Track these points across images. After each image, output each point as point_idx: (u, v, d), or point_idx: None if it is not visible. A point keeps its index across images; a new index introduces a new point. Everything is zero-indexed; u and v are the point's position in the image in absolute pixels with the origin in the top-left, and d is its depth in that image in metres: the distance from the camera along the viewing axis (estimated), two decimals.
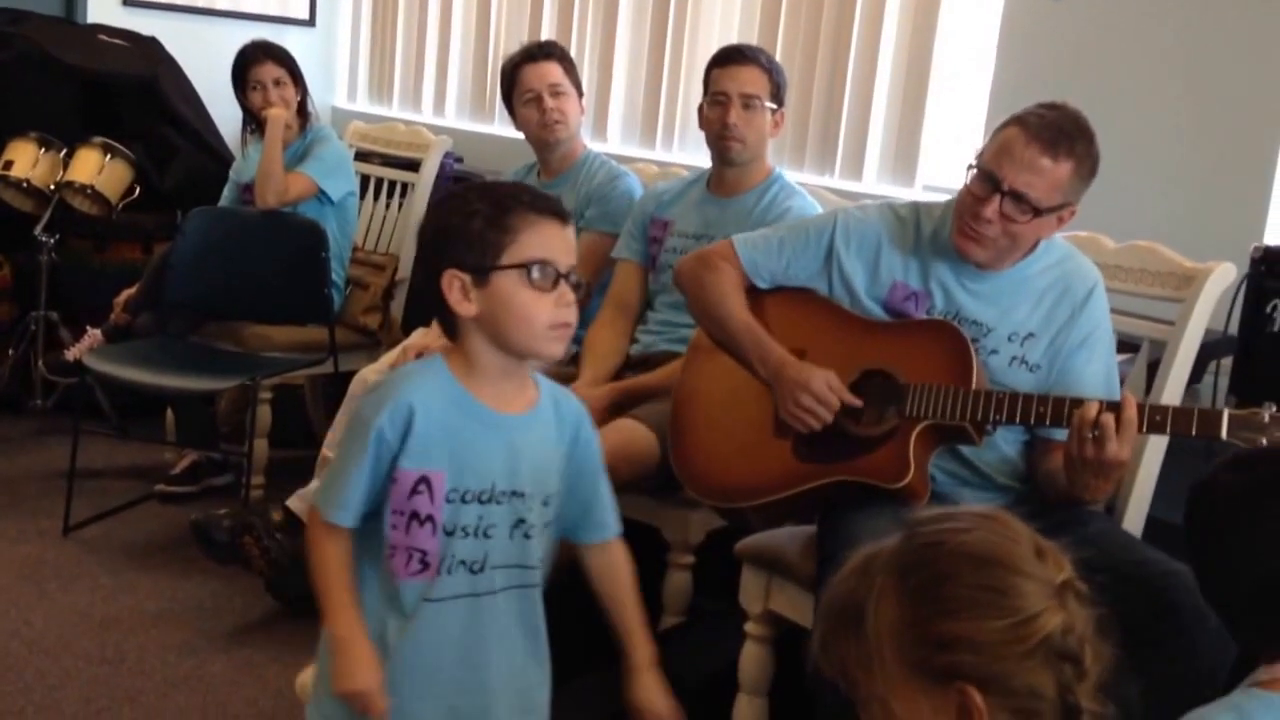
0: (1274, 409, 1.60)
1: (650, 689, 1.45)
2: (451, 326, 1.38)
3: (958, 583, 0.93)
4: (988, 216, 1.78)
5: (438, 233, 1.36)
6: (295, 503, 2.48)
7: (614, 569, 1.48)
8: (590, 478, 1.46)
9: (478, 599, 1.37)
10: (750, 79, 2.39)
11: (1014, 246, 1.83)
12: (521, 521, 1.38)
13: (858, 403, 1.82)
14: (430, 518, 1.33)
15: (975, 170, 1.81)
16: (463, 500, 1.35)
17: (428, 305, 1.39)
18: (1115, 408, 1.68)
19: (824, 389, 1.81)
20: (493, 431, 1.36)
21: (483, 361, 1.36)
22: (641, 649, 1.46)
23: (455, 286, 1.33)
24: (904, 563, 0.96)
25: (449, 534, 1.35)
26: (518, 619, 1.41)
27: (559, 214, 1.36)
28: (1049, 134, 1.75)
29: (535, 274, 1.32)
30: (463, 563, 1.36)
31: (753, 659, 1.98)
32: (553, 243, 1.34)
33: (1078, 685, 0.92)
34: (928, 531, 0.97)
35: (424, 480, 1.33)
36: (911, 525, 0.99)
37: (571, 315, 1.35)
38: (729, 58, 2.43)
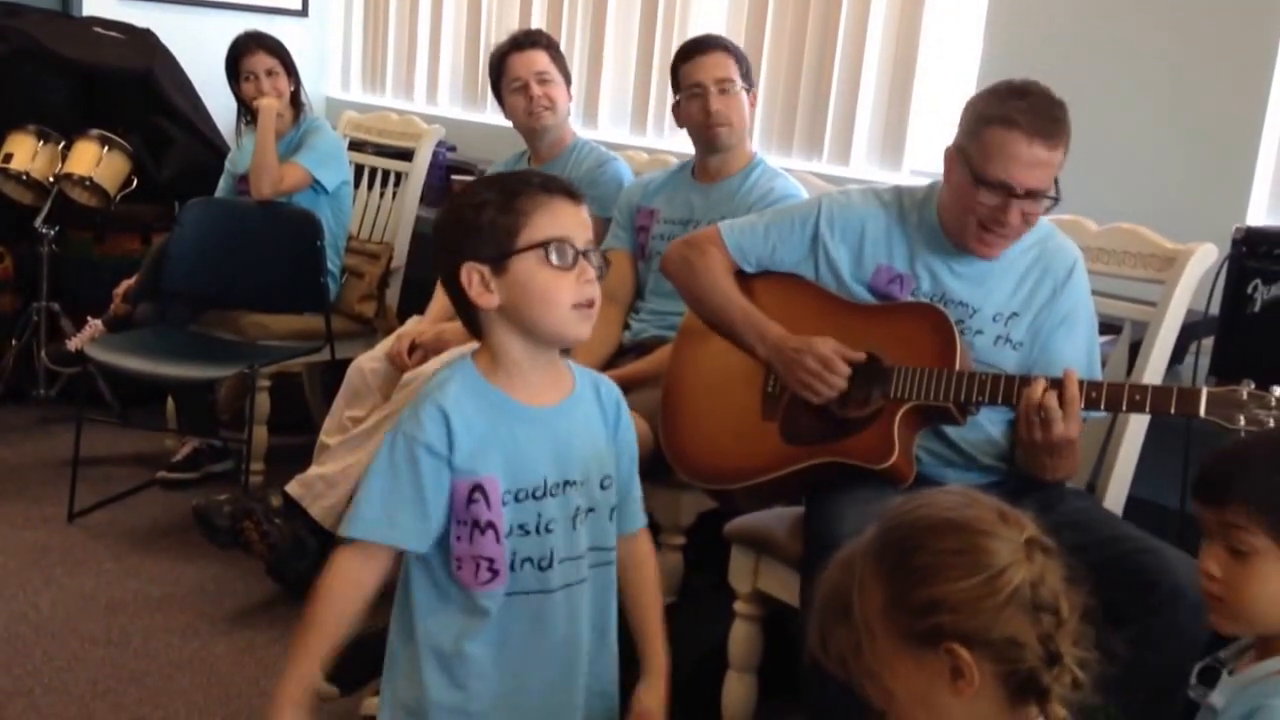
0: (1252, 386, 1.62)
1: (654, 695, 1.43)
2: (476, 323, 1.35)
3: (927, 551, 0.98)
4: (1012, 222, 1.79)
5: (450, 229, 1.34)
6: (294, 488, 2.52)
7: (642, 560, 1.47)
8: (629, 465, 1.44)
9: (549, 595, 1.35)
10: (719, 64, 2.42)
11: (1027, 231, 1.85)
12: (578, 510, 1.36)
13: (861, 357, 1.83)
14: (491, 524, 1.31)
15: (972, 177, 1.78)
16: (516, 500, 1.32)
17: (456, 308, 1.35)
18: (1058, 386, 1.70)
19: (828, 352, 1.82)
20: (534, 426, 1.34)
21: (512, 355, 1.34)
22: (657, 656, 1.45)
23: (475, 279, 1.30)
24: (878, 547, 1.02)
25: (509, 535, 1.32)
26: (591, 606, 1.39)
27: (570, 193, 1.34)
28: (1045, 126, 1.76)
29: (553, 253, 1.29)
30: (529, 560, 1.33)
31: (742, 637, 2.02)
32: (566, 221, 1.31)
33: (1057, 633, 0.96)
34: (895, 514, 1.03)
35: (478, 488, 1.30)
36: (882, 516, 1.04)
37: (595, 292, 1.32)
38: (693, 50, 2.46)
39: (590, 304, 1.32)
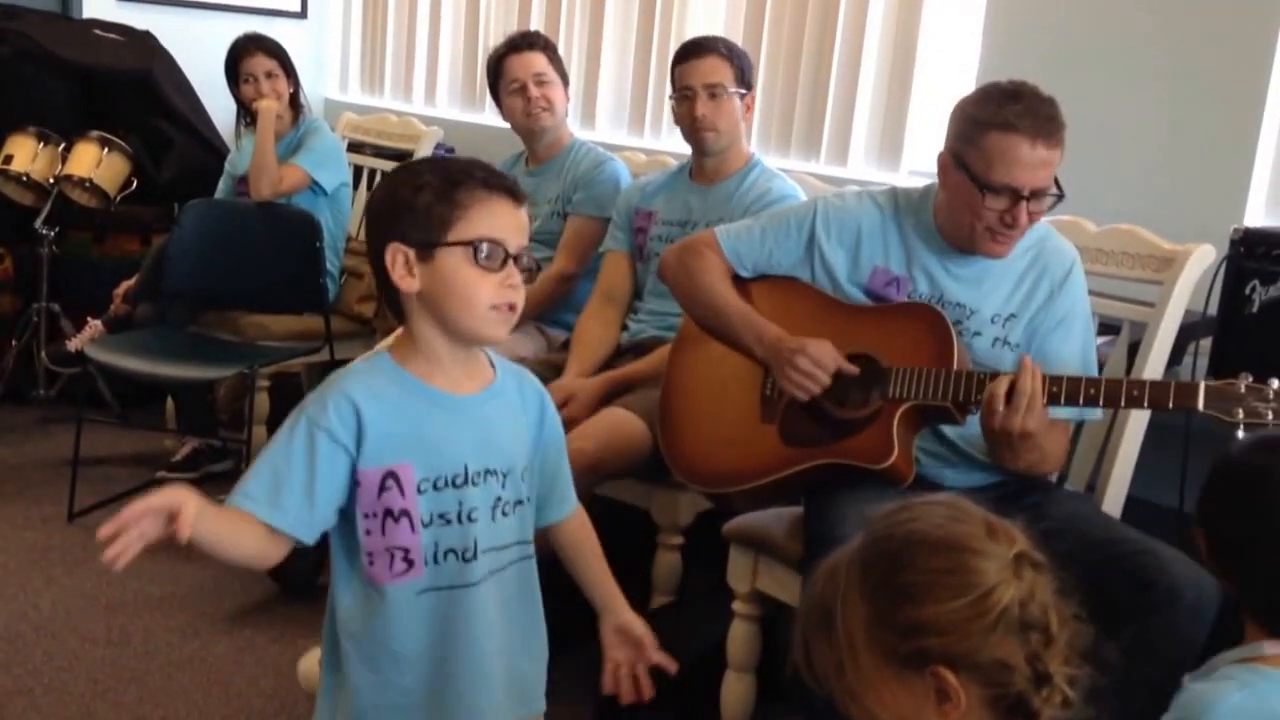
0: (1250, 379, 1.61)
1: (626, 614, 1.42)
2: (397, 305, 1.32)
3: (913, 570, 0.95)
4: (1022, 224, 1.79)
5: (386, 205, 1.31)
6: None
7: (583, 537, 1.47)
8: (555, 455, 1.43)
9: (473, 587, 1.32)
10: (711, 69, 2.41)
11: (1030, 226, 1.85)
12: (500, 499, 1.34)
13: (853, 370, 1.83)
14: (405, 512, 1.27)
15: (974, 183, 1.78)
16: (435, 488, 1.29)
17: (379, 286, 1.33)
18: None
19: (820, 353, 1.83)
20: (453, 413, 1.31)
21: (432, 345, 1.31)
22: (618, 598, 1.44)
23: (399, 260, 1.27)
24: (863, 560, 0.98)
25: (427, 525, 1.29)
26: (517, 598, 1.38)
27: (513, 193, 1.30)
28: (1044, 126, 1.76)
29: (483, 253, 1.27)
30: (451, 550, 1.30)
31: (740, 637, 2.02)
32: (503, 221, 1.28)
33: (1045, 652, 0.94)
34: (880, 527, 1.00)
35: (390, 475, 1.27)
36: (869, 524, 1.01)
37: (516, 297, 1.30)
38: (689, 52, 2.46)
39: (511, 308, 1.30)
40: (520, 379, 1.41)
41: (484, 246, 1.27)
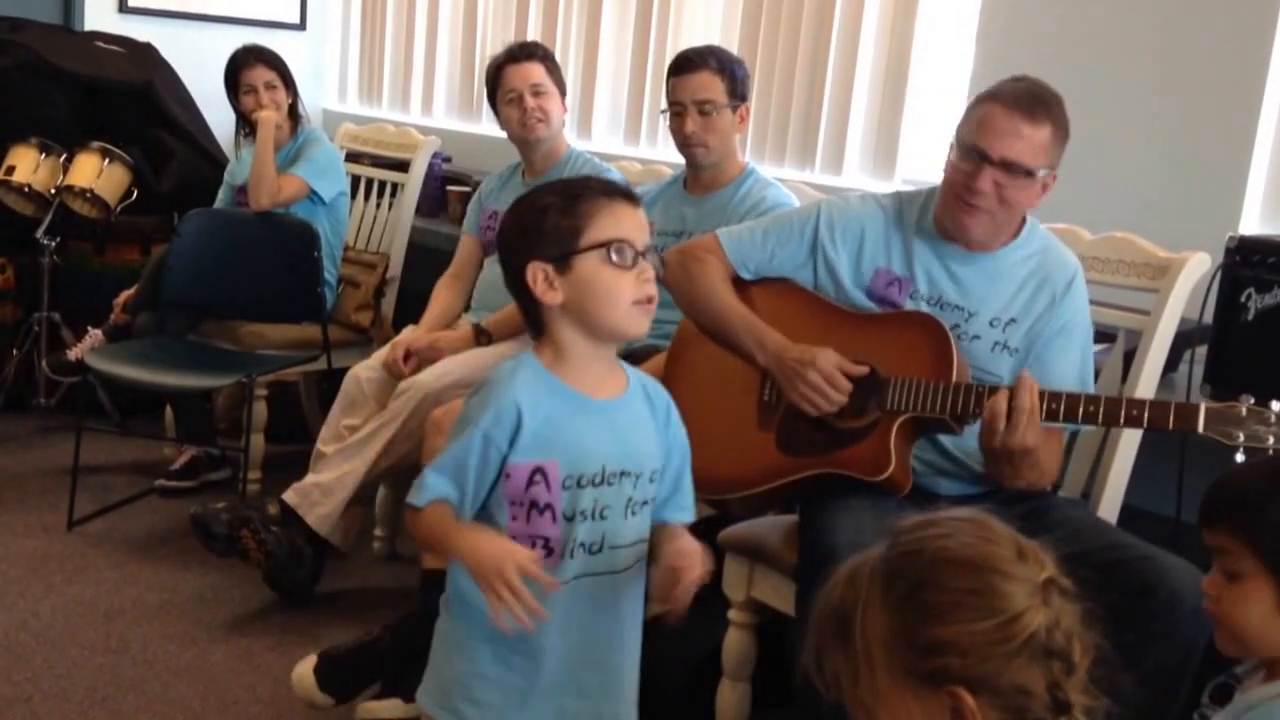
0: (1251, 401, 1.60)
1: (688, 538, 1.44)
2: (538, 321, 1.41)
3: (940, 588, 0.93)
4: (982, 188, 1.80)
5: (516, 233, 1.41)
6: (291, 496, 2.53)
7: (682, 533, 1.48)
8: (680, 459, 1.49)
9: (596, 578, 1.40)
10: (701, 85, 2.42)
11: (1010, 217, 1.85)
12: (631, 499, 1.41)
13: (863, 371, 1.83)
14: (549, 505, 1.37)
15: (959, 149, 1.83)
16: (578, 485, 1.38)
17: (521, 307, 1.41)
18: (1041, 397, 1.69)
19: (829, 366, 1.82)
20: (596, 416, 1.40)
21: (574, 350, 1.40)
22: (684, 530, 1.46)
23: (540, 277, 1.37)
24: (887, 571, 0.96)
25: (569, 519, 1.38)
26: (629, 595, 1.44)
27: (629, 196, 1.40)
28: (1025, 101, 1.80)
29: (614, 252, 1.36)
30: (582, 545, 1.39)
31: (736, 645, 2.02)
32: (626, 223, 1.38)
33: (1066, 680, 0.92)
34: (909, 539, 0.97)
35: (539, 471, 1.36)
36: (894, 533, 0.99)
37: (653, 290, 1.38)
38: (680, 67, 2.46)
39: (650, 300, 1.38)
40: (649, 386, 1.48)
41: (615, 246, 1.36)
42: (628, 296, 1.37)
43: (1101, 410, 1.70)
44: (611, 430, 1.40)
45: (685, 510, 1.51)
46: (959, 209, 1.85)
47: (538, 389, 1.38)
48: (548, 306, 1.38)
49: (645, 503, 1.44)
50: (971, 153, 1.81)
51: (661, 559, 1.43)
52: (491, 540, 1.34)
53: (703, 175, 2.50)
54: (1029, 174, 1.80)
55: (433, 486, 1.37)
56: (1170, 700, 1.61)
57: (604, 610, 1.43)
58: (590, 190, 1.39)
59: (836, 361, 1.83)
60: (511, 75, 2.74)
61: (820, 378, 1.82)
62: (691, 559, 1.41)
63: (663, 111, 2.52)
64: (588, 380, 1.41)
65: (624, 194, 1.40)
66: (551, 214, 1.37)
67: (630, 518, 1.42)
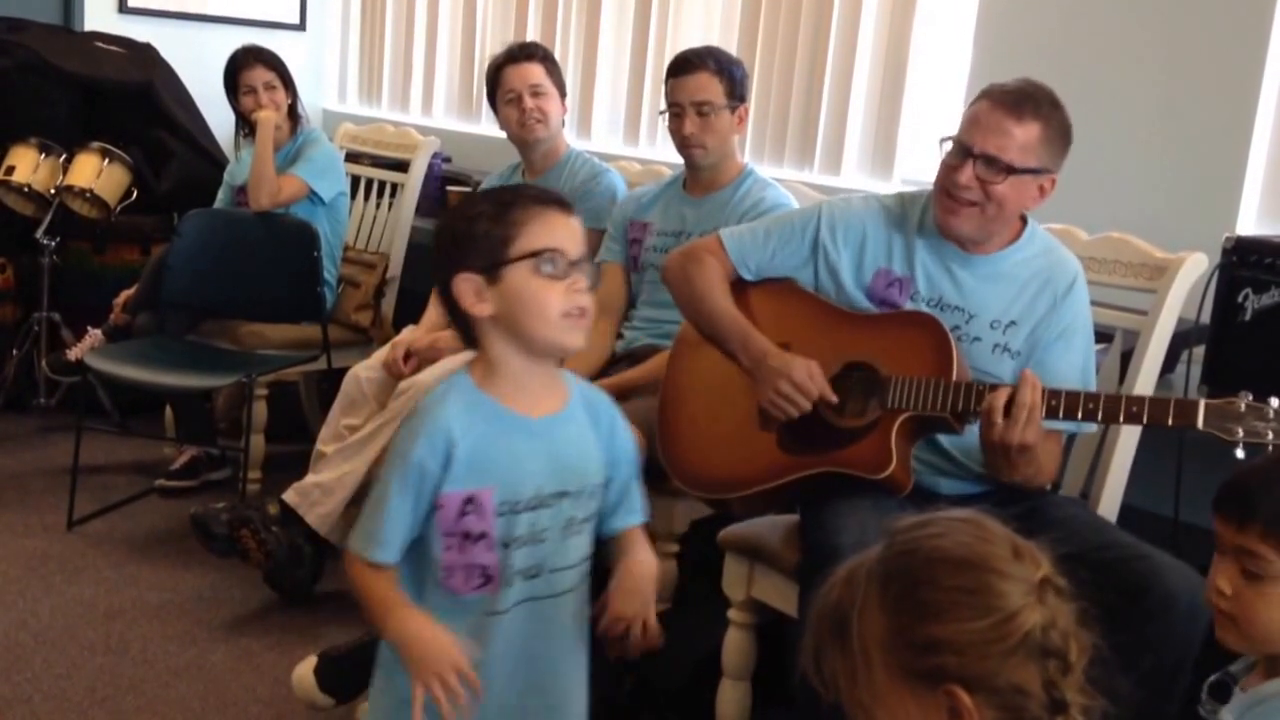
0: (1249, 398, 1.61)
1: (644, 553, 1.41)
2: (470, 333, 1.36)
3: (935, 587, 0.93)
4: (964, 182, 1.82)
5: (445, 241, 1.36)
6: (291, 496, 2.53)
7: (636, 540, 1.46)
8: (627, 469, 1.45)
9: (538, 602, 1.37)
10: (699, 86, 2.42)
11: (999, 214, 1.85)
12: (571, 520, 1.38)
13: (833, 399, 1.84)
14: (484, 534, 1.32)
15: (949, 144, 1.86)
16: (513, 511, 1.33)
17: (452, 319, 1.37)
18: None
19: (804, 377, 1.83)
20: (530, 437, 1.35)
21: (509, 365, 1.35)
22: (642, 542, 1.43)
23: (468, 289, 1.32)
24: (884, 571, 0.97)
25: (505, 546, 1.34)
26: (573, 616, 1.41)
27: (562, 204, 1.36)
28: (1013, 99, 1.82)
29: (545, 263, 1.31)
30: (520, 572, 1.35)
31: (736, 645, 2.02)
32: (559, 232, 1.33)
33: (1063, 680, 0.92)
34: (905, 539, 0.98)
35: (470, 500, 1.32)
36: (891, 534, 0.99)
37: (587, 301, 1.34)
38: (679, 68, 2.46)
39: (582, 313, 1.34)
40: (591, 397, 1.44)
41: (546, 257, 1.32)
42: (557, 308, 1.32)
43: (1101, 407, 1.70)
44: (549, 450, 1.36)
45: (636, 513, 1.46)
46: (943, 203, 1.87)
47: (471, 413, 1.33)
48: (478, 319, 1.34)
49: (587, 519, 1.40)
50: (958, 147, 1.84)
51: (612, 585, 1.39)
52: (429, 632, 1.28)
53: (702, 176, 2.51)
54: (1011, 170, 1.81)
55: (389, 545, 1.31)
56: (1165, 700, 1.61)
57: (546, 636, 1.39)
58: (522, 198, 1.34)
59: (814, 378, 1.83)
60: (511, 76, 2.74)
61: (791, 388, 1.83)
62: (632, 605, 1.37)
63: (661, 112, 2.52)
64: (524, 397, 1.36)
65: (556, 202, 1.36)
66: (481, 222, 1.33)
67: (571, 538, 1.38)
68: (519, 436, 1.35)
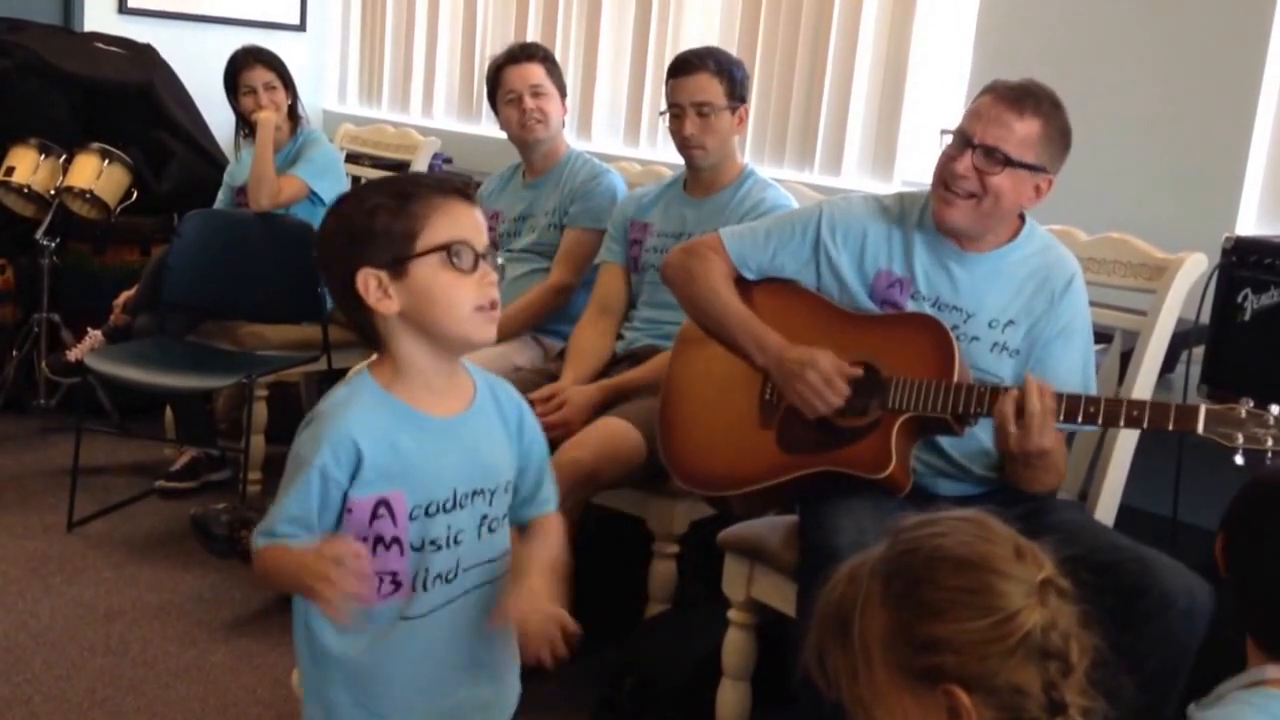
0: (1250, 404, 1.61)
1: (537, 579, 1.34)
2: (372, 333, 1.30)
3: (936, 586, 0.93)
4: (962, 172, 1.83)
5: (341, 236, 1.29)
6: None
7: (551, 527, 1.42)
8: (539, 461, 1.42)
9: (457, 602, 1.33)
10: (700, 87, 2.42)
11: (994, 208, 1.85)
12: (485, 517, 1.34)
13: (858, 373, 1.84)
14: (396, 539, 1.28)
15: (949, 136, 1.87)
16: (426, 514, 1.29)
17: (352, 319, 1.31)
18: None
19: (829, 368, 1.82)
20: (441, 438, 1.31)
21: (415, 363, 1.30)
22: (540, 566, 1.36)
23: (372, 285, 1.26)
24: (886, 569, 0.97)
25: (418, 550, 1.29)
26: (486, 610, 1.36)
27: (465, 194, 1.30)
28: (1015, 94, 1.84)
29: (454, 256, 1.26)
30: (439, 576, 1.31)
31: (736, 645, 2.02)
32: (465, 222, 1.28)
33: (1063, 681, 0.92)
34: (908, 538, 0.98)
35: (383, 503, 1.27)
36: (895, 532, 0.99)
37: (495, 294, 1.29)
38: (679, 69, 2.46)
39: (493, 305, 1.29)
40: (496, 388, 1.40)
41: (455, 249, 1.27)
42: (469, 302, 1.27)
43: (1102, 411, 1.70)
44: (461, 449, 1.31)
45: (548, 502, 1.43)
46: (940, 195, 1.88)
47: (376, 416, 1.28)
48: (383, 317, 1.27)
49: (500, 518, 1.36)
50: (958, 137, 1.85)
51: (511, 591, 1.34)
52: (304, 552, 1.21)
53: (702, 177, 2.51)
54: (1008, 161, 1.82)
55: (283, 537, 1.25)
56: (1162, 701, 1.61)
57: (472, 635, 1.35)
58: (423, 189, 1.28)
59: (835, 363, 1.83)
60: (511, 76, 2.75)
61: (819, 379, 1.82)
62: (535, 617, 1.29)
63: (662, 113, 2.52)
64: (431, 396, 1.31)
65: (458, 191, 1.30)
66: (381, 216, 1.26)
67: (487, 535, 1.34)
68: (429, 437, 1.30)
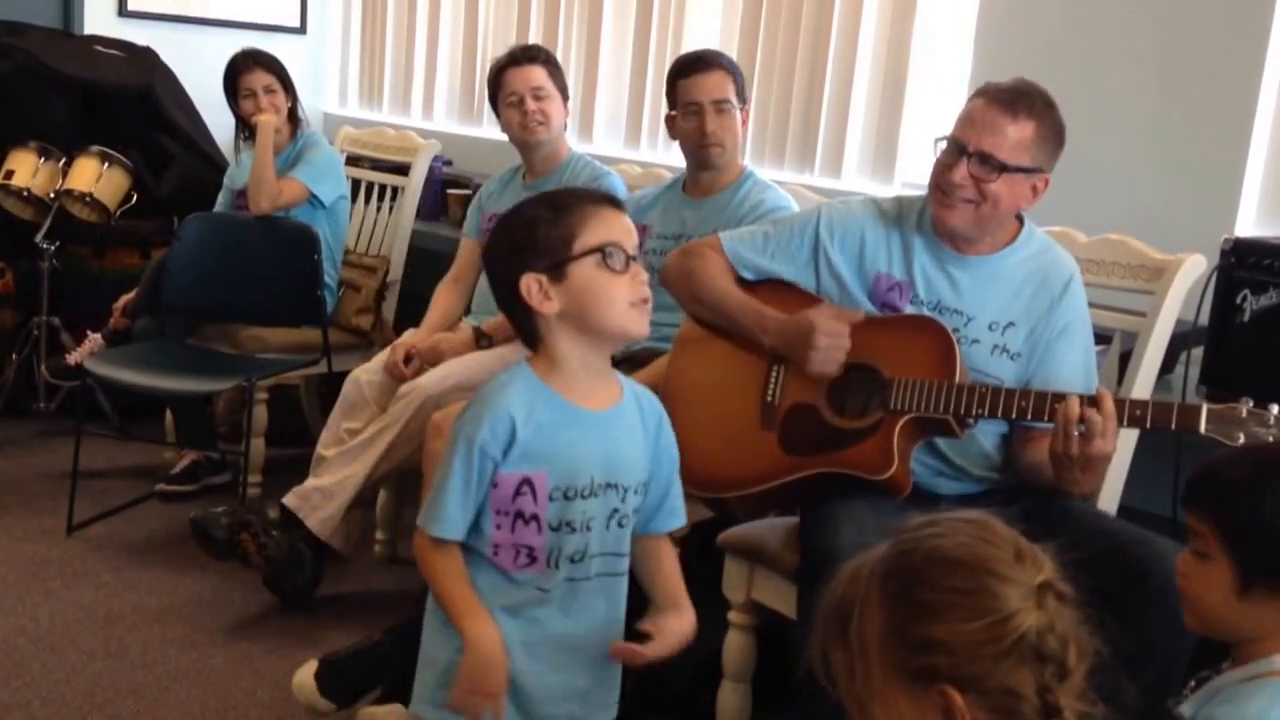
0: (1250, 404, 1.62)
1: (690, 613, 1.50)
2: (533, 333, 1.43)
3: (931, 586, 0.94)
4: (958, 180, 1.83)
5: (507, 248, 1.43)
6: (291, 500, 2.54)
7: (665, 553, 1.53)
8: (669, 469, 1.52)
9: (574, 583, 1.44)
10: (718, 84, 2.44)
11: (993, 212, 1.85)
12: (616, 511, 1.44)
13: (859, 316, 1.88)
14: (535, 516, 1.40)
15: (943, 143, 1.87)
16: (565, 497, 1.41)
17: (515, 321, 1.43)
18: (1095, 402, 1.70)
19: (831, 320, 1.86)
20: (587, 428, 1.42)
21: (570, 360, 1.42)
22: (685, 595, 1.53)
23: (534, 289, 1.39)
24: (885, 569, 0.98)
25: (555, 530, 1.41)
26: (607, 601, 1.47)
27: (615, 202, 1.44)
28: (1007, 97, 1.83)
29: (609, 257, 1.38)
30: (567, 556, 1.42)
31: (736, 647, 2.02)
32: (616, 226, 1.41)
33: (1059, 685, 0.92)
34: (908, 538, 0.99)
35: (526, 482, 1.39)
36: (897, 533, 1.00)
37: (648, 291, 1.41)
38: (693, 67, 2.47)
39: (646, 301, 1.41)
40: (640, 395, 1.50)
41: (608, 250, 1.39)
42: (625, 298, 1.39)
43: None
44: (602, 442, 1.43)
45: (676, 515, 1.53)
46: (937, 201, 1.88)
47: (532, 400, 1.40)
48: (544, 317, 1.40)
49: (629, 515, 1.46)
50: (952, 144, 1.85)
51: (653, 631, 1.45)
52: (494, 651, 1.38)
53: (703, 178, 2.51)
54: (1004, 168, 1.81)
55: (452, 521, 1.40)
56: (1169, 683, 1.61)
57: (585, 620, 1.46)
58: (577, 199, 1.42)
59: (833, 314, 1.87)
60: (513, 78, 2.75)
61: (826, 338, 1.85)
62: (662, 643, 1.45)
63: (668, 115, 2.52)
64: (583, 391, 1.43)
65: (610, 200, 1.43)
66: (541, 226, 1.40)
67: (615, 528, 1.45)
68: (577, 426, 1.41)
